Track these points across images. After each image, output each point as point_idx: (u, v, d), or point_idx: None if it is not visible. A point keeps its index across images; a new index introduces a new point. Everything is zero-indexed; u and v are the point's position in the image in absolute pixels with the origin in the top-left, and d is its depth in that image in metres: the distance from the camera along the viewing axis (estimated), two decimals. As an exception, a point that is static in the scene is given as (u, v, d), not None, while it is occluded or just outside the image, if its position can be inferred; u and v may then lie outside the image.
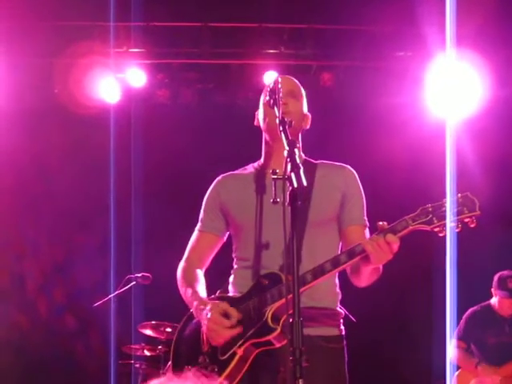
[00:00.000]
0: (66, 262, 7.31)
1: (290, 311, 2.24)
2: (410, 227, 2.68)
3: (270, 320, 2.73)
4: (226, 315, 2.78)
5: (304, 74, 6.64)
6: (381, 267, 2.85)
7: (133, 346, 6.27)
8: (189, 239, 3.16)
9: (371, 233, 2.82)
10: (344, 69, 6.87)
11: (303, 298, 2.44)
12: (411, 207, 2.71)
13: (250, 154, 3.22)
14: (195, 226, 3.15)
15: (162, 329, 5.99)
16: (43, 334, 7.11)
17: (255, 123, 3.12)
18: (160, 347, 6.04)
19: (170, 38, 6.65)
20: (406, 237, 2.69)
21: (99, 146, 6.70)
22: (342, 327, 2.97)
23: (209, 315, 2.78)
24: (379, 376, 6.74)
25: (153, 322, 6.05)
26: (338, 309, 2.98)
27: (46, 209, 7.15)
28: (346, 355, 2.94)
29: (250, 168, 3.12)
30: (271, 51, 6.71)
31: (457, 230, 2.66)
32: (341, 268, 2.77)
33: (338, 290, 2.99)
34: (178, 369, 2.87)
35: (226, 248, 3.14)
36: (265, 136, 3.07)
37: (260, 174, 3.03)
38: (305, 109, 3.11)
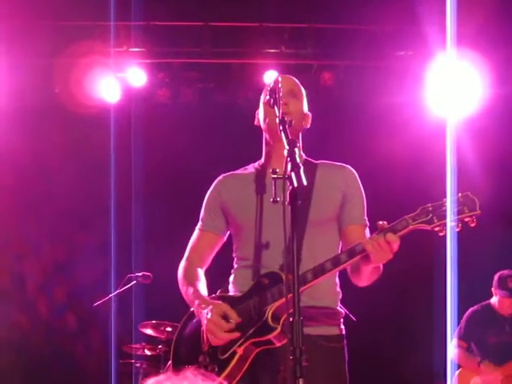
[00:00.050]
0: (66, 261, 7.32)
1: (291, 310, 2.25)
2: (411, 226, 2.68)
3: (270, 319, 2.73)
4: (226, 317, 2.78)
5: (304, 74, 6.63)
6: (381, 267, 2.85)
7: (133, 346, 6.26)
8: (189, 238, 3.16)
9: (371, 232, 2.82)
10: (344, 68, 6.87)
11: (303, 298, 2.44)
12: (411, 207, 2.71)
13: (250, 153, 3.22)
14: (196, 225, 3.16)
15: (163, 328, 5.99)
16: (44, 333, 7.11)
17: (255, 123, 3.13)
18: (160, 347, 6.03)
19: (171, 37, 6.64)
20: (406, 236, 2.69)
21: (99, 146, 6.70)
22: (343, 327, 2.98)
23: (209, 315, 2.78)
24: (379, 376, 6.74)
25: (153, 322, 6.04)
26: (339, 308, 2.98)
27: (46, 208, 7.15)
28: (346, 354, 2.95)
29: (251, 168, 3.12)
30: (272, 50, 6.71)
31: (457, 230, 2.66)
32: (341, 267, 2.77)
33: (338, 289, 2.99)
34: (177, 368, 2.87)
35: (227, 247, 3.14)
36: (265, 136, 3.07)
37: (260, 174, 3.03)
38: (305, 108, 3.11)
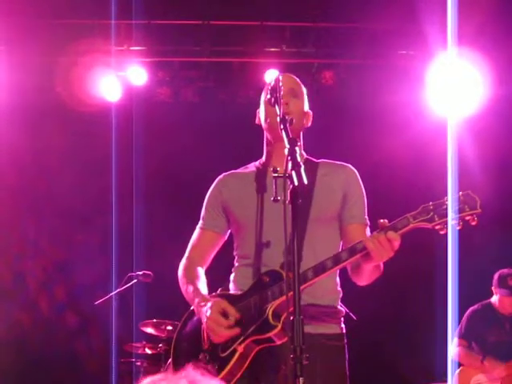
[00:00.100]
0: (67, 260, 7.32)
1: (291, 309, 2.25)
2: (411, 225, 2.68)
3: (270, 317, 2.73)
4: (225, 314, 2.79)
5: (305, 73, 6.64)
6: (381, 265, 2.85)
7: (134, 344, 6.27)
8: (190, 237, 3.16)
9: (372, 231, 2.82)
10: (345, 67, 6.87)
11: (304, 296, 2.44)
12: (412, 205, 2.71)
13: (251, 152, 3.23)
14: (197, 223, 3.16)
15: (163, 327, 5.99)
16: (44, 332, 7.12)
17: (256, 122, 3.13)
18: (161, 345, 6.03)
19: (171, 36, 6.64)
20: (407, 235, 2.69)
21: (100, 144, 6.70)
22: (343, 325, 2.98)
23: (208, 313, 2.78)
24: (380, 375, 6.74)
25: (154, 320, 6.05)
26: (339, 307, 2.98)
27: (47, 207, 7.16)
28: (346, 353, 2.95)
29: (252, 166, 3.13)
30: (272, 49, 6.71)
31: (458, 228, 2.66)
32: (342, 265, 2.77)
33: (338, 288, 3.00)
34: (178, 366, 2.88)
35: (227, 246, 3.15)
36: (266, 134, 3.07)
37: (261, 173, 3.04)
38: (306, 107, 3.11)
